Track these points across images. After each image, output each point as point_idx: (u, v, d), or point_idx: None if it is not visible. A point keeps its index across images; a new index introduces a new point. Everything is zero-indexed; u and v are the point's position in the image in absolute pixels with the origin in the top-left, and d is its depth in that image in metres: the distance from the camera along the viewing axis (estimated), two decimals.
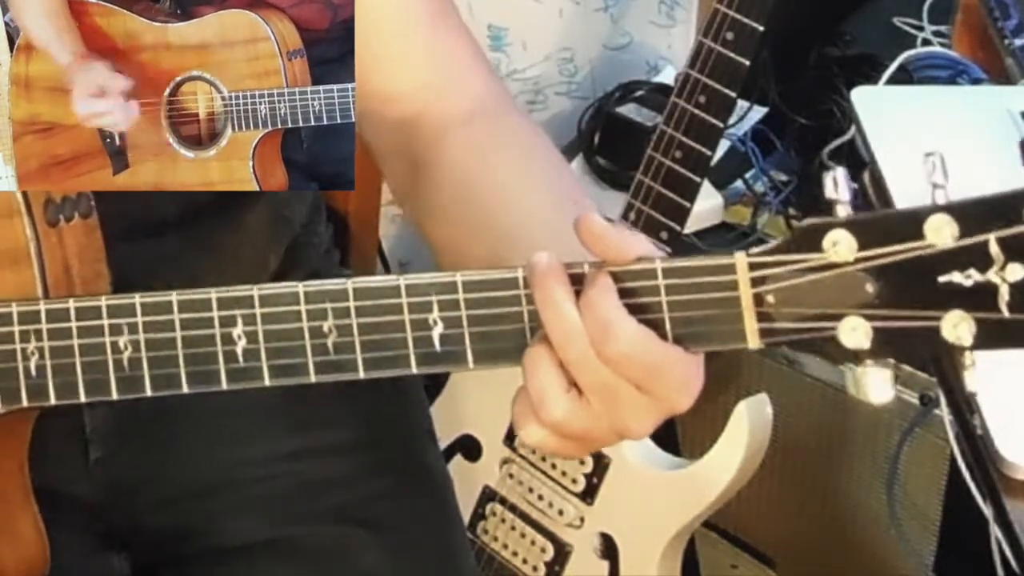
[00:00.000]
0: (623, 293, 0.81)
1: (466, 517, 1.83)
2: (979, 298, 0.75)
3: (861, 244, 0.77)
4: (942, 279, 0.76)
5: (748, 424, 1.64)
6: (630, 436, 0.85)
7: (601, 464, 1.75)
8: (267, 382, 0.87)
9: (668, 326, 0.81)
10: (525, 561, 1.84)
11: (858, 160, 1.45)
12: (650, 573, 1.71)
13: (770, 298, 0.79)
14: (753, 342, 0.80)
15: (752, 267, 0.80)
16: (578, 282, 0.82)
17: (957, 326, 0.76)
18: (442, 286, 0.84)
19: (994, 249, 0.75)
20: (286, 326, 0.86)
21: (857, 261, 0.77)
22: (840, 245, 0.78)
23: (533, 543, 1.83)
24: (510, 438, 1.84)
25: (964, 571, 1.66)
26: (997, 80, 1.87)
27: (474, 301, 0.84)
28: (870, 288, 0.77)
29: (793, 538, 1.92)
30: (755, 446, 1.66)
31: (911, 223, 0.76)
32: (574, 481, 1.78)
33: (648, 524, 1.72)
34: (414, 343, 0.84)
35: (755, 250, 0.80)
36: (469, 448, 1.87)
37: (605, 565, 1.75)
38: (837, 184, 0.78)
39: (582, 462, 1.76)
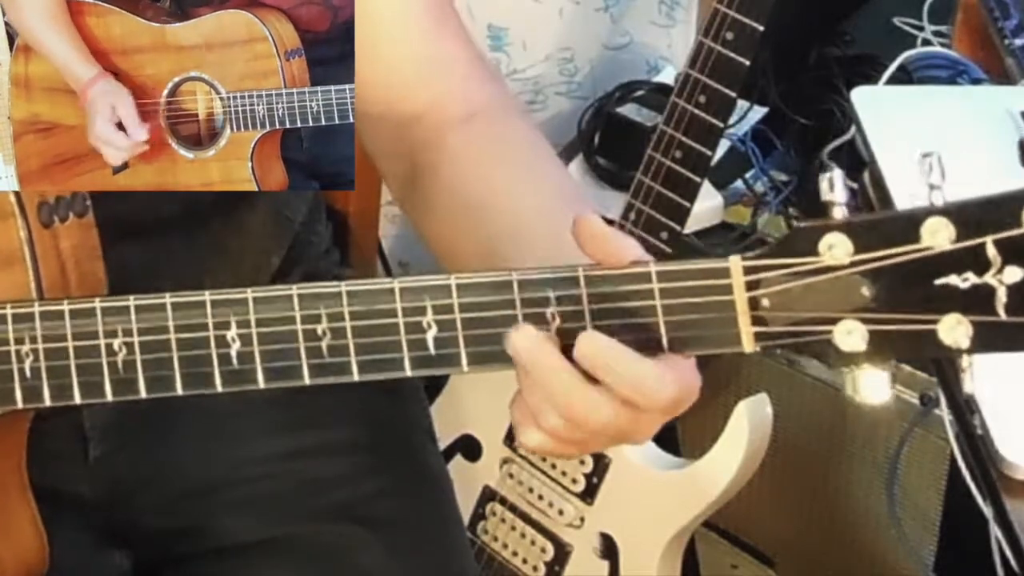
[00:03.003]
0: (617, 297, 0.81)
1: (466, 517, 1.83)
2: (976, 301, 0.74)
3: (857, 247, 0.76)
4: (939, 282, 0.75)
5: (748, 424, 1.64)
6: (631, 443, 0.85)
7: (601, 464, 1.75)
8: (261, 384, 0.87)
9: (663, 330, 0.81)
10: (525, 561, 1.83)
11: (858, 160, 1.45)
12: (650, 573, 1.71)
13: (765, 302, 0.79)
14: (748, 346, 0.80)
15: (747, 271, 0.79)
16: (571, 286, 0.82)
17: (954, 329, 0.75)
18: (436, 289, 0.83)
19: (991, 252, 0.74)
20: (280, 329, 0.86)
21: (853, 264, 0.76)
22: (836, 248, 0.77)
23: (533, 543, 1.82)
24: (510, 438, 1.84)
25: (964, 571, 1.66)
26: (997, 80, 1.87)
27: (468, 304, 0.83)
28: (866, 291, 0.76)
29: (793, 538, 1.91)
30: (755, 446, 1.66)
31: (907, 225, 0.75)
32: (574, 481, 1.78)
33: (648, 524, 1.72)
34: (408, 346, 0.84)
35: (750, 254, 0.79)
36: (469, 448, 1.87)
37: (605, 565, 1.75)
38: (833, 186, 0.77)
39: (582, 462, 1.76)
